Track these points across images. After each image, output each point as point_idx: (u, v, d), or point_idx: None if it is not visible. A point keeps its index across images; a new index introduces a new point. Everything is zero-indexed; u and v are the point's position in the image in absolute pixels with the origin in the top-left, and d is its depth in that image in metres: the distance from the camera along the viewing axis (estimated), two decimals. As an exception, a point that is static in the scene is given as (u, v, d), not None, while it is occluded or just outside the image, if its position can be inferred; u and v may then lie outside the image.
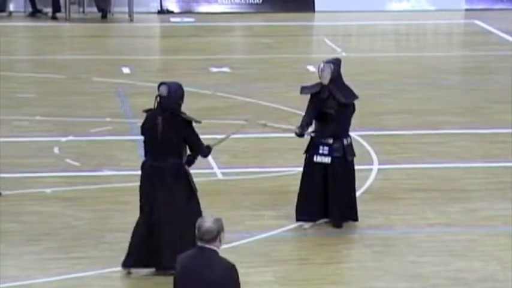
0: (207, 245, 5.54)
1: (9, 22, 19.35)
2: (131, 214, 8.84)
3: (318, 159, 9.23)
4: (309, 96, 9.51)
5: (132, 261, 8.27)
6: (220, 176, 10.81)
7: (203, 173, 10.79)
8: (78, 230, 9.28)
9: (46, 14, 19.76)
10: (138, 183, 8.31)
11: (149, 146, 8.26)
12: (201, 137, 12.12)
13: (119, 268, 8.40)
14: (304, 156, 9.42)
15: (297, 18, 19.89)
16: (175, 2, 20.48)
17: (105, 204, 9.85)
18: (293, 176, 10.75)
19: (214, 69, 15.67)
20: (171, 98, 8.19)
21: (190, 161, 8.39)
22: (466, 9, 20.74)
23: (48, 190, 10.24)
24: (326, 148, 9.21)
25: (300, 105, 13.62)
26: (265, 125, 9.76)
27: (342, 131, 9.24)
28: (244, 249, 8.91)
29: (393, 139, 12.22)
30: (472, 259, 8.79)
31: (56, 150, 11.51)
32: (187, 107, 13.82)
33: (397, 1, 20.81)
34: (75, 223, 9.44)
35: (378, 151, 11.63)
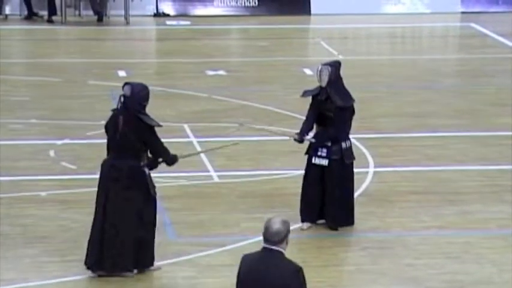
0: (274, 247, 5.54)
1: (4, 25, 19.34)
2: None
3: (316, 161, 9.25)
4: (310, 99, 9.52)
5: (90, 262, 8.28)
6: (216, 179, 10.82)
7: (199, 175, 10.80)
8: (74, 233, 9.27)
9: (42, 17, 19.76)
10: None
11: (110, 145, 8.30)
12: (198, 140, 12.14)
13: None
14: (306, 157, 9.44)
15: (293, 21, 19.91)
16: (171, 5, 20.49)
17: (101, 207, 9.84)
18: (289, 178, 10.76)
19: (211, 72, 15.68)
20: (134, 98, 8.19)
21: (151, 164, 8.31)
22: (462, 12, 20.77)
23: (44, 193, 10.24)
24: (324, 150, 9.23)
25: (296, 108, 13.65)
26: (263, 129, 9.77)
27: (341, 134, 9.25)
28: (240, 252, 8.88)
29: (389, 142, 12.23)
30: (467, 262, 8.80)
31: (51, 153, 11.51)
32: (184, 110, 13.87)
33: (393, 4, 20.84)
34: (71, 226, 9.44)
35: (373, 154, 11.65)
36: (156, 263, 8.46)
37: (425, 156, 11.69)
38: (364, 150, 11.78)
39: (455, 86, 15.30)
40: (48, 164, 11.13)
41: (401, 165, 11.35)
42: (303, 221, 9.34)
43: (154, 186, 8.31)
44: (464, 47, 18.31)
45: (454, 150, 11.96)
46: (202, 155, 11.38)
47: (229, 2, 20.56)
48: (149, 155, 8.33)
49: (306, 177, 9.38)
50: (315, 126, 9.42)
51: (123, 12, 19.70)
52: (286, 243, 5.56)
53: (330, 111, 9.23)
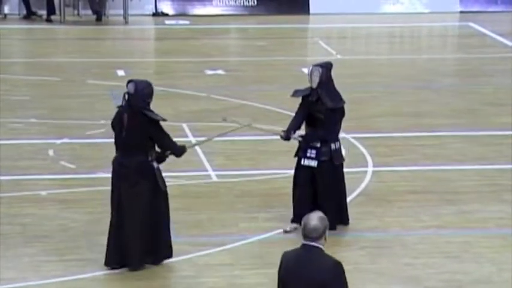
0: (313, 243, 5.60)
1: (3, 24, 19.34)
2: (126, 216, 8.83)
3: (305, 162, 9.25)
4: (301, 99, 9.53)
5: (108, 260, 8.36)
6: (214, 178, 10.83)
7: (198, 175, 10.81)
8: (74, 232, 9.28)
9: (40, 16, 19.77)
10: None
11: (117, 142, 8.41)
12: (197, 139, 12.16)
13: (114, 270, 8.42)
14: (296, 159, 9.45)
15: (292, 20, 19.92)
16: (170, 5, 20.50)
17: (100, 206, 9.85)
18: (287, 178, 10.76)
19: (209, 72, 15.70)
20: (138, 95, 8.27)
21: (160, 158, 8.43)
22: (461, 12, 20.79)
23: (43, 192, 10.25)
24: (314, 151, 9.23)
25: (295, 108, 13.65)
26: (249, 126, 9.77)
27: (330, 135, 9.25)
28: (239, 251, 8.93)
29: (387, 141, 12.25)
30: (466, 261, 8.81)
31: (50, 152, 11.52)
32: (183, 110, 13.89)
33: (391, 3, 20.85)
34: (71, 225, 9.45)
35: (372, 153, 11.66)
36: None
37: (424, 155, 11.70)
38: (363, 150, 11.79)
39: (454, 86, 15.32)
40: (48, 164, 11.14)
41: (399, 164, 11.37)
42: (292, 221, 9.34)
43: (164, 181, 8.37)
44: (463, 47, 18.33)
45: (453, 149, 11.97)
46: (202, 155, 11.40)
47: (228, 2, 20.58)
48: (157, 149, 8.38)
49: (295, 178, 9.38)
50: (303, 127, 9.42)
51: (122, 12, 19.71)
52: (325, 239, 5.64)
53: (319, 113, 9.23)
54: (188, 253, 8.80)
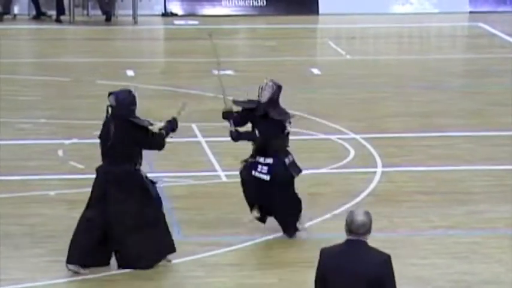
0: (360, 238, 5.58)
1: (13, 25, 19.39)
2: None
3: (255, 174, 9.04)
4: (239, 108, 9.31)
5: (81, 259, 8.37)
6: (224, 179, 10.83)
7: (207, 175, 10.81)
8: (82, 233, 9.28)
9: (50, 16, 19.81)
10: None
11: (103, 153, 8.51)
12: (206, 140, 12.15)
13: (123, 270, 8.42)
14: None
15: (301, 20, 19.91)
16: (179, 5, 20.52)
17: (109, 206, 9.87)
18: (295, 178, 10.76)
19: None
20: (120, 106, 8.41)
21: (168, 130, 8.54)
22: (470, 12, 20.74)
23: (52, 192, 10.27)
24: (265, 168, 9.01)
25: (304, 108, 13.66)
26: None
27: (281, 151, 9.09)
28: (248, 251, 8.93)
29: (397, 142, 12.23)
30: (475, 261, 8.79)
31: (60, 152, 11.54)
32: (193, 109, 13.88)
33: (400, 4, 20.82)
34: (79, 225, 9.45)
35: (381, 154, 11.65)
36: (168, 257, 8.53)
37: (433, 156, 11.68)
38: (372, 150, 11.78)
39: (463, 86, 15.28)
40: (57, 164, 11.16)
41: (409, 165, 11.35)
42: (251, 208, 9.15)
43: (154, 187, 8.38)
44: (472, 47, 18.29)
45: (462, 150, 11.95)
46: (211, 155, 11.41)
47: (237, 2, 20.58)
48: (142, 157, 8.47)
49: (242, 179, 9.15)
50: (252, 146, 9.16)
51: (131, 12, 19.74)
52: (369, 233, 5.62)
53: (263, 127, 9.06)
54: (197, 253, 8.80)
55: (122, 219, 8.25)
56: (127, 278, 8.34)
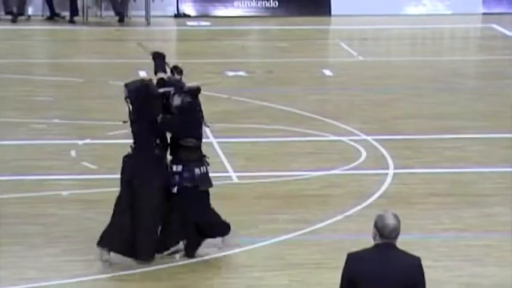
0: (392, 242, 5.53)
1: (27, 26, 19.47)
2: (147, 217, 8.87)
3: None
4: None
5: (114, 244, 8.51)
6: (235, 180, 10.86)
7: (219, 176, 10.83)
8: (95, 233, 9.32)
9: (64, 17, 19.88)
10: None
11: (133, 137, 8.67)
12: (218, 140, 12.19)
13: (134, 271, 8.46)
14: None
15: (313, 22, 19.91)
16: (192, 6, 20.56)
17: (121, 207, 9.91)
18: (307, 180, 10.78)
19: (231, 73, 15.73)
20: (133, 93, 8.63)
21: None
22: (483, 13, 20.69)
23: (65, 193, 10.32)
24: (176, 177, 8.48)
25: (316, 109, 13.68)
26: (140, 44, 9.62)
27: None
28: (259, 252, 8.95)
29: (409, 144, 12.23)
30: (487, 264, 8.78)
31: (73, 153, 11.59)
32: (204, 111, 13.87)
33: (413, 5, 20.80)
34: (92, 225, 9.50)
35: (393, 156, 11.65)
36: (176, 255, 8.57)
37: (446, 158, 11.67)
38: (384, 152, 11.78)
39: (476, 88, 15.25)
40: (70, 164, 11.21)
41: (421, 167, 11.34)
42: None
43: (172, 177, 8.50)
44: (485, 49, 18.25)
45: (475, 152, 11.93)
46: (223, 156, 11.45)
47: (250, 3, 20.60)
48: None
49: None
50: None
51: (144, 13, 19.78)
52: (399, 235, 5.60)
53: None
54: (208, 254, 8.82)
55: (145, 207, 8.36)
56: (138, 278, 8.37)
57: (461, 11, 20.59)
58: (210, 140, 12.14)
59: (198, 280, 8.46)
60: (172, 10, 20.42)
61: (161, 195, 8.47)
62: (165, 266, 8.51)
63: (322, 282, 8.42)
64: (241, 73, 15.71)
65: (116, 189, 10.31)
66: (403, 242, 9.20)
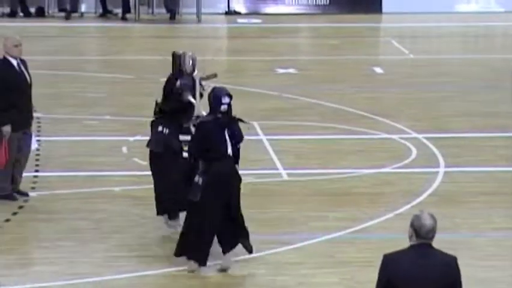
0: (429, 242, 5.54)
1: (80, 23, 19.70)
2: (197, 214, 8.92)
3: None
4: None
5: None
6: (285, 177, 10.88)
7: (268, 173, 10.87)
8: (144, 229, 9.42)
9: (116, 14, 20.08)
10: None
11: None
12: (268, 138, 12.21)
13: (184, 267, 8.53)
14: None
15: (364, 19, 19.84)
16: (243, 3, 20.61)
17: (171, 203, 9.98)
18: (357, 178, 10.77)
19: (281, 70, 15.74)
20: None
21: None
22: (537, 11, 20.44)
23: (116, 188, 10.42)
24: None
25: (366, 107, 13.63)
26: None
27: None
28: (309, 250, 8.96)
29: (460, 142, 12.14)
30: (538, 264, 8.69)
31: (124, 149, 11.70)
32: (254, 108, 13.92)
33: (465, 2, 20.62)
34: (142, 221, 9.60)
35: (444, 154, 11.57)
36: (216, 261, 8.58)
37: (497, 156, 11.57)
38: (435, 150, 11.71)
39: (529, 86, 15.07)
40: (121, 160, 11.32)
41: (472, 165, 11.26)
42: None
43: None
44: (538, 46, 18.02)
45: (526, 151, 11.81)
46: (273, 153, 11.48)
47: (301, 1, 20.60)
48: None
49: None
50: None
51: (195, 10, 19.89)
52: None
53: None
54: (258, 251, 8.85)
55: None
56: (186, 275, 8.43)
57: (515, 8, 20.36)
58: (260, 137, 12.17)
59: (247, 277, 8.49)
60: (223, 7, 20.50)
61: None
62: (214, 262, 8.56)
63: (372, 281, 8.35)
64: (291, 70, 15.72)
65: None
66: (452, 241, 9.20)
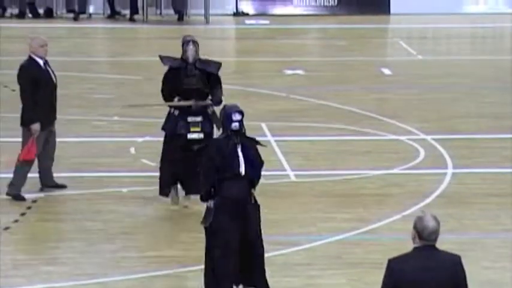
0: (432, 243, 5.53)
1: (88, 24, 19.73)
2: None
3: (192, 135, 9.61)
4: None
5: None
6: (293, 178, 10.88)
7: (276, 174, 10.87)
8: (153, 229, 9.44)
9: (124, 16, 20.11)
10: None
11: None
12: (275, 139, 12.21)
13: (194, 267, 8.53)
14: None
15: (372, 20, 19.84)
16: (251, 4, 20.62)
17: (179, 204, 10.00)
18: (365, 179, 10.76)
19: (289, 72, 15.75)
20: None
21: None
22: (545, 12, 20.40)
23: (124, 189, 10.44)
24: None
25: (373, 108, 13.62)
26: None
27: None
28: (317, 251, 8.96)
29: (468, 143, 12.12)
30: (547, 266, 8.67)
31: (132, 150, 11.72)
32: (262, 109, 13.92)
33: (473, 3, 20.58)
34: (151, 222, 9.61)
35: (452, 155, 11.56)
36: None
37: (506, 158, 11.54)
38: (443, 151, 11.70)
39: (537, 87, 15.04)
40: (129, 161, 11.34)
41: (480, 166, 11.24)
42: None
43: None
44: (547, 47, 17.98)
45: (535, 152, 11.78)
46: (280, 154, 11.49)
47: (309, 2, 20.60)
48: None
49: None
50: (190, 102, 9.65)
51: (203, 11, 19.91)
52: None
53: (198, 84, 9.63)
54: (266, 252, 8.85)
55: None
56: (198, 274, 8.44)
57: (523, 9, 20.32)
58: (268, 138, 12.17)
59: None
60: (231, 8, 20.51)
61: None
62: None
63: (380, 282, 8.38)
64: (299, 71, 15.72)
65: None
66: (460, 242, 9.19)
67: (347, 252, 8.92)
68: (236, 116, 7.70)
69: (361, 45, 17.87)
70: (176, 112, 9.73)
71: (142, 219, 9.69)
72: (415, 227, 5.55)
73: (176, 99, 9.82)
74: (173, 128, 9.72)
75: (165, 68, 10.02)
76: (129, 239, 9.17)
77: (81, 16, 20.03)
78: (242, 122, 7.74)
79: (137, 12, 19.94)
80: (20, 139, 10.11)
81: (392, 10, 20.47)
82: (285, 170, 11.09)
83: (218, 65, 9.97)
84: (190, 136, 9.63)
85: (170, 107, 9.83)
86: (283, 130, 12.46)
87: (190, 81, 9.73)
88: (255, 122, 12.54)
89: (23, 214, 9.75)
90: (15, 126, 10.30)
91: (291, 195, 10.29)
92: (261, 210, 7.85)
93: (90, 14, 20.26)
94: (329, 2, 20.61)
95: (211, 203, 7.64)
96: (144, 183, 10.60)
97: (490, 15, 20.22)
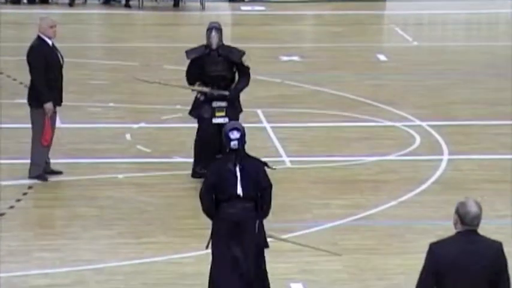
0: (475, 228, 5.56)
1: (84, 10, 19.67)
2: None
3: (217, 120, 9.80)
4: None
5: None
6: (289, 164, 10.88)
7: (272, 160, 10.84)
8: (149, 216, 9.44)
9: (120, 2, 20.05)
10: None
11: None
12: (271, 125, 12.19)
13: (189, 254, 8.54)
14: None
15: (368, 6, 19.80)
16: (246, -10, 20.54)
17: (175, 190, 10.00)
18: (361, 165, 10.76)
19: (284, 58, 15.72)
20: None
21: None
22: (541, -2, 20.36)
23: (120, 176, 10.44)
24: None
25: (369, 94, 13.62)
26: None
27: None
28: (313, 237, 8.97)
29: (464, 129, 12.13)
30: (542, 252, 8.68)
31: (128, 136, 11.71)
32: (257, 95, 13.91)
33: (469, -11, 20.53)
34: (147, 209, 9.61)
35: (448, 141, 11.57)
36: None
37: (501, 144, 11.56)
38: (439, 138, 11.70)
39: (533, 74, 15.05)
40: (125, 147, 11.33)
41: (476, 153, 11.25)
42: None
43: None
44: (543, 34, 17.97)
45: (531, 138, 11.79)
46: (276, 141, 11.47)
47: (304, -12, 20.52)
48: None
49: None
50: (207, 89, 9.88)
51: (198, -3, 19.84)
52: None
53: (223, 71, 9.84)
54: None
55: None
56: (194, 261, 8.45)
57: (519, -4, 20.30)
58: (264, 124, 12.17)
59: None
60: (226, -6, 20.44)
61: None
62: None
63: (375, 268, 8.41)
64: (295, 58, 15.70)
65: (169, 173, 10.39)
66: (457, 229, 9.19)
67: (342, 238, 8.93)
68: (234, 134, 7.29)
69: (357, 31, 17.84)
70: (202, 97, 9.91)
71: (138, 205, 9.69)
72: (457, 212, 5.57)
73: (197, 84, 9.95)
74: (199, 113, 9.94)
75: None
76: (125, 225, 9.17)
77: (77, 2, 19.95)
78: (242, 140, 7.31)
79: (133, -2, 19.88)
80: (20, 125, 10.10)
81: (388, -4, 20.41)
82: (280, 156, 11.09)
83: (241, 53, 10.08)
84: (215, 121, 9.85)
85: (192, 90, 10.06)
86: (279, 116, 12.46)
87: (216, 69, 9.82)
88: (251, 109, 12.54)
89: (18, 200, 9.74)
90: (14, 113, 10.29)
91: (287, 181, 10.29)
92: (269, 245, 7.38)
93: (85, 0, 20.20)
94: (325, -12, 20.54)
95: (212, 226, 7.31)
96: (139, 169, 10.60)
97: (485, 1, 20.20)
